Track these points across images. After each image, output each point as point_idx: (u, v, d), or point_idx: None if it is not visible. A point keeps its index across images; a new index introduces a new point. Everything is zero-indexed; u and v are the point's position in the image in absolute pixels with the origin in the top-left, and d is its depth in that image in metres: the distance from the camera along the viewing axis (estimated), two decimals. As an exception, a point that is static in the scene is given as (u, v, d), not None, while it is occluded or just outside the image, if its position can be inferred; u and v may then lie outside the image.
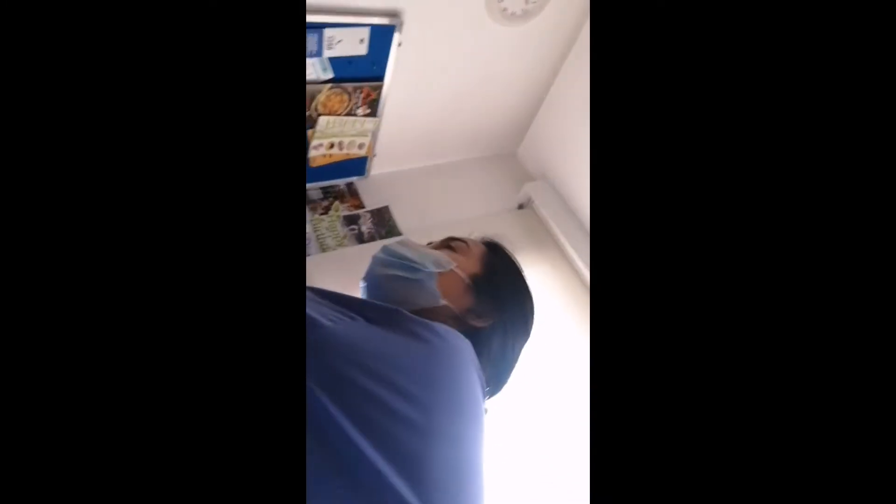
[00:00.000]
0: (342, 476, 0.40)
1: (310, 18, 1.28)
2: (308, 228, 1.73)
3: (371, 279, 0.74)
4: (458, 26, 1.54)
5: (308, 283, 1.70)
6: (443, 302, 0.67)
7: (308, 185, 1.80)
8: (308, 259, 1.64)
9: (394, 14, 1.41)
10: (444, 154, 2.04)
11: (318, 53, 1.37)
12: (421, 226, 1.80)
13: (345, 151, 1.72)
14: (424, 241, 0.83)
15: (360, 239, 1.78)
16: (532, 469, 1.42)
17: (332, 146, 1.67)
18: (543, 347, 1.47)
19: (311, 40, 1.33)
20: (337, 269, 1.64)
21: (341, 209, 1.81)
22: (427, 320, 0.53)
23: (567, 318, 1.73)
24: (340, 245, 1.74)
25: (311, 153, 1.65)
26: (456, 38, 1.58)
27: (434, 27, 1.50)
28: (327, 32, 1.33)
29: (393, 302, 0.61)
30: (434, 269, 0.69)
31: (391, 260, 0.72)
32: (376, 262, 0.74)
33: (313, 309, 0.49)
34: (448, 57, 1.62)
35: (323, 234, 1.74)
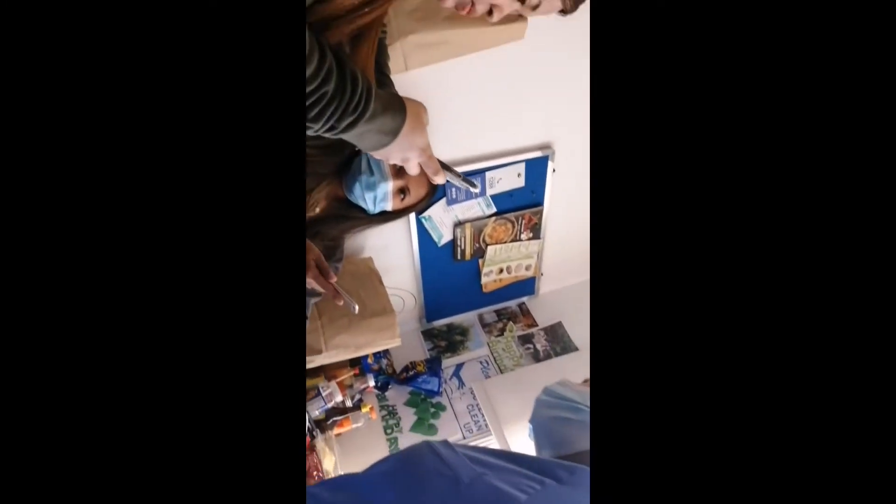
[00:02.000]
0: None
1: (474, 166, 1.51)
2: (485, 351, 1.83)
3: (538, 422, 0.76)
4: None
5: (489, 405, 1.71)
6: None
7: (482, 310, 1.94)
8: (487, 381, 1.72)
9: (545, 146, 1.57)
10: (611, 263, 2.04)
11: (483, 193, 1.58)
12: (597, 339, 1.77)
13: (513, 275, 1.85)
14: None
15: (537, 357, 1.81)
16: None
17: (501, 271, 1.82)
18: None
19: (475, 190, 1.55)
20: (516, 389, 1.68)
21: (515, 329, 1.89)
22: None
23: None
24: (518, 365, 1.79)
25: (483, 280, 1.81)
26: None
27: (582, 150, 1.62)
28: (489, 175, 1.54)
29: (562, 443, 0.62)
30: None
31: (554, 402, 0.74)
32: (540, 404, 0.77)
33: (505, 480, 0.49)
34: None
35: (500, 355, 1.82)
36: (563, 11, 0.65)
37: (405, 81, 1.23)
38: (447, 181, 0.75)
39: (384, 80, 0.79)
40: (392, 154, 0.62)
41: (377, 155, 0.63)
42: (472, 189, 0.79)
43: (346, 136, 0.57)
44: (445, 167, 0.72)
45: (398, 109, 0.59)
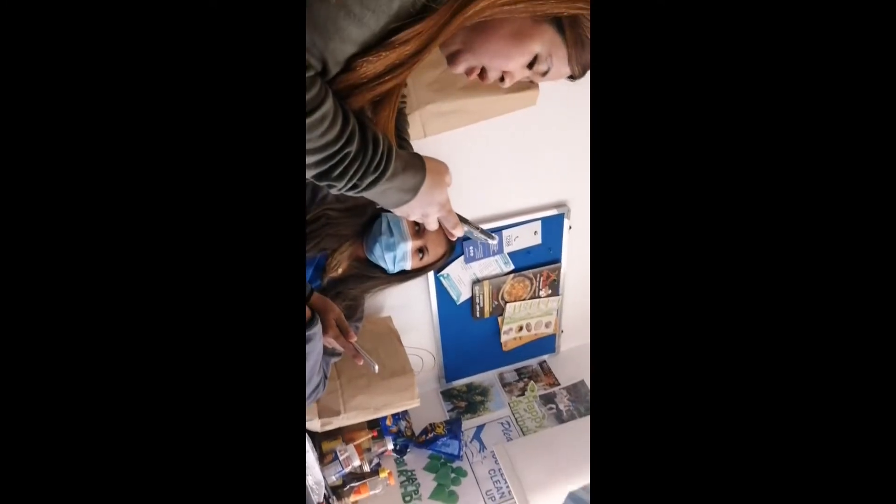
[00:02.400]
0: None
1: (491, 225, 1.54)
2: (506, 411, 1.78)
3: None
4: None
5: (513, 470, 1.65)
6: None
7: (502, 369, 1.91)
8: (509, 444, 1.66)
9: (561, 204, 1.61)
10: (633, 319, 2.01)
11: (500, 251, 1.60)
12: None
13: (533, 332, 1.83)
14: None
15: (560, 418, 1.75)
16: None
17: (520, 329, 1.80)
18: None
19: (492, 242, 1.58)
20: (540, 453, 1.61)
21: (537, 389, 1.85)
22: None
23: None
24: (540, 426, 1.73)
25: (503, 338, 1.79)
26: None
27: (599, 207, 1.65)
28: (506, 233, 1.57)
29: None
30: None
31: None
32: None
33: None
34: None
35: (522, 416, 1.77)
36: (572, 77, 0.69)
37: (424, 146, 1.29)
38: (467, 236, 0.77)
39: (403, 145, 0.84)
40: (413, 211, 0.65)
41: (398, 212, 0.66)
42: (489, 241, 0.81)
43: (368, 194, 0.61)
44: (464, 220, 0.75)
45: (419, 168, 0.63)
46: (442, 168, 0.67)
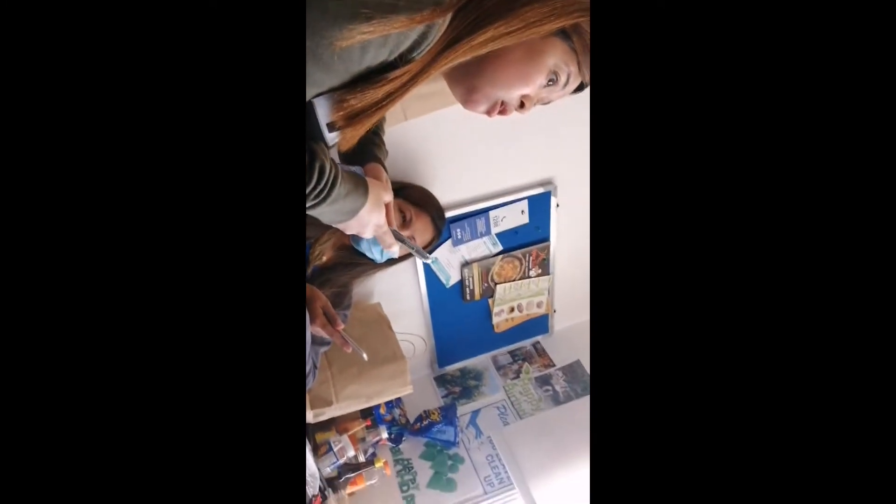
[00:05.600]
0: None
1: (477, 206, 1.56)
2: (502, 395, 1.82)
3: None
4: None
5: (511, 455, 1.68)
6: None
7: (496, 351, 1.94)
8: (506, 428, 1.70)
9: (547, 182, 1.63)
10: (626, 296, 2.05)
11: (487, 232, 1.62)
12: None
13: (525, 313, 1.86)
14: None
15: (557, 400, 1.79)
16: None
17: (512, 310, 1.84)
18: None
19: (480, 223, 1.59)
20: (539, 437, 1.65)
21: (531, 371, 1.89)
22: None
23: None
24: (537, 409, 1.77)
25: (495, 320, 1.83)
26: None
27: (584, 182, 1.67)
28: (492, 213, 1.59)
29: None
30: None
31: None
32: None
33: None
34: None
35: (518, 399, 1.81)
36: (581, 87, 0.67)
37: (406, 128, 1.30)
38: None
39: (375, 140, 0.85)
40: (348, 227, 0.71)
41: (335, 226, 0.70)
42: (426, 260, 0.85)
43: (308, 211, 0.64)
44: (399, 238, 0.81)
45: (361, 193, 0.67)
46: (383, 191, 0.72)
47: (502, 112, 0.65)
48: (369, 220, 0.70)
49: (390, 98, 0.59)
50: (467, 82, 0.63)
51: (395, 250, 1.08)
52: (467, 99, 0.64)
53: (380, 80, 0.56)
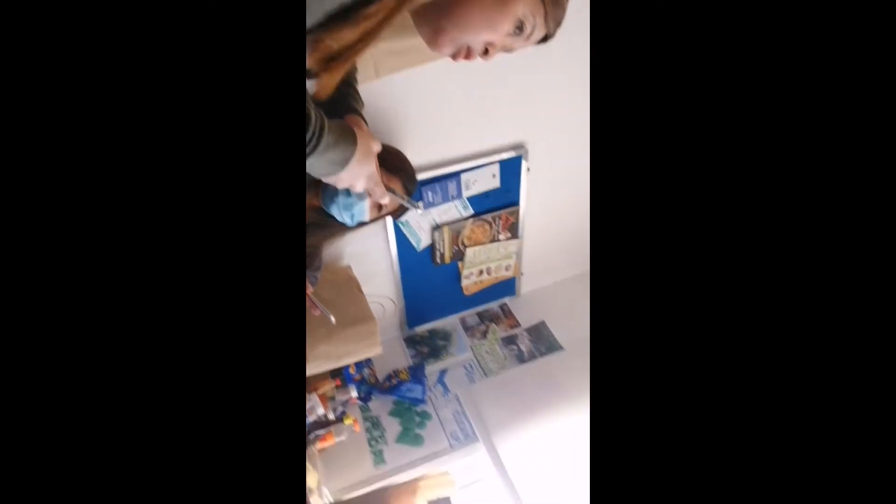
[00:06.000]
0: None
1: (449, 169, 1.56)
2: (469, 355, 1.88)
3: None
4: (580, 143, 1.71)
5: (476, 411, 1.73)
6: None
7: (464, 313, 1.99)
8: (473, 386, 1.76)
9: (519, 146, 1.64)
10: (586, 261, 2.11)
11: (459, 196, 1.63)
12: (577, 336, 1.84)
13: (493, 276, 1.90)
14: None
15: (521, 358, 1.86)
16: None
17: (481, 273, 1.87)
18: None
19: (451, 187, 1.60)
20: (503, 394, 1.73)
21: (498, 331, 1.95)
22: None
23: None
24: (503, 368, 1.84)
25: (464, 282, 1.86)
26: (577, 151, 1.74)
27: (556, 146, 1.69)
28: (464, 177, 1.59)
29: None
30: None
31: None
32: None
33: None
34: (575, 169, 1.78)
35: (484, 358, 1.87)
36: (545, 38, 0.67)
37: (378, 87, 1.27)
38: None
39: (350, 91, 0.83)
40: (341, 181, 0.68)
41: (326, 180, 0.68)
42: (417, 210, 0.84)
43: None
44: (390, 190, 0.79)
45: (350, 142, 0.65)
46: (370, 140, 0.70)
47: (467, 57, 0.65)
48: (360, 171, 0.68)
49: (366, 39, 0.58)
50: (435, 23, 0.63)
51: (367, 214, 1.08)
52: (433, 40, 0.64)
53: (355, 17, 0.55)
